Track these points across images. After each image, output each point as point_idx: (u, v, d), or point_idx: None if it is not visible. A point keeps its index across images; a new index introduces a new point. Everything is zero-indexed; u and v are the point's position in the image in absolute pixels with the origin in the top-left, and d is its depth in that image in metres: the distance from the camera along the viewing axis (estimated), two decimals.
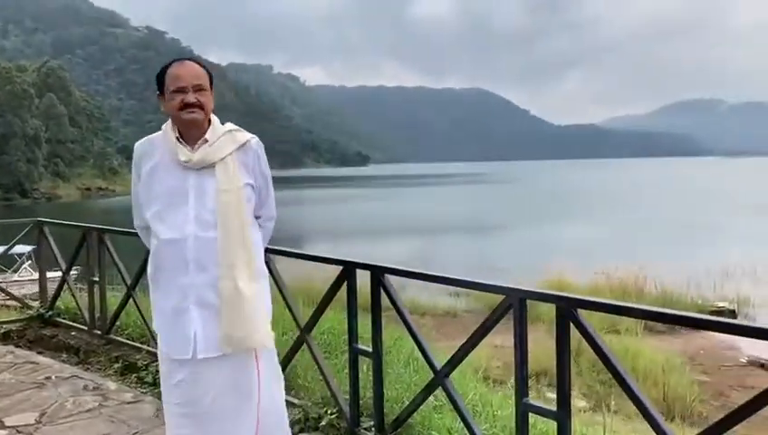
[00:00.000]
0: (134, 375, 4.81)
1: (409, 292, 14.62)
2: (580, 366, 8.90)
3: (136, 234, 2.81)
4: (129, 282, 5.15)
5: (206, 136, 2.49)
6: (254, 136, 2.57)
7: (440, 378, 2.97)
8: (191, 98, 2.43)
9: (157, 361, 2.88)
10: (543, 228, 38.72)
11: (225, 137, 2.50)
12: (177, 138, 2.48)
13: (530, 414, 2.61)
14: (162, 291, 2.50)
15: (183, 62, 2.50)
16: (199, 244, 2.42)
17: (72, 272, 6.04)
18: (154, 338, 4.26)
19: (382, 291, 3.22)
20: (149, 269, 2.56)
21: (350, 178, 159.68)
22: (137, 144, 2.60)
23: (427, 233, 38.99)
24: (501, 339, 5.74)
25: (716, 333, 15.58)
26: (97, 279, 5.51)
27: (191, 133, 2.49)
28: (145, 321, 4.98)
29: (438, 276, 3.14)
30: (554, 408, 2.48)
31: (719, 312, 16.76)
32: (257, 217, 2.65)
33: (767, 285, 20.73)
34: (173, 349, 2.48)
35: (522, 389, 2.60)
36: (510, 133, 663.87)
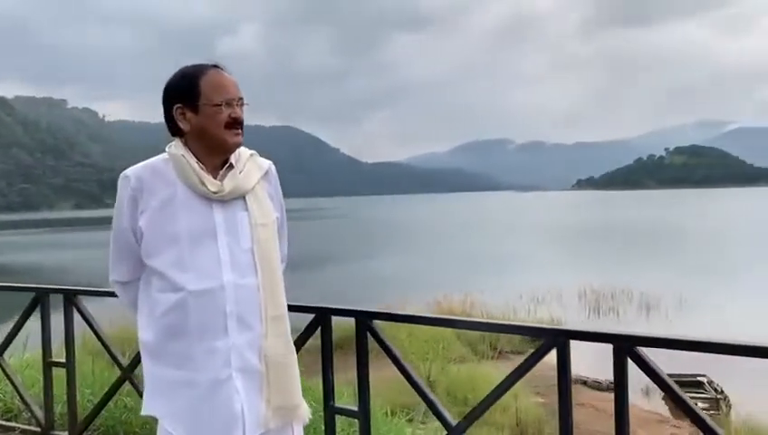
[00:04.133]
0: None
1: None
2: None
3: (112, 294, 2.22)
4: (120, 360, 3.69)
5: (232, 161, 2.00)
6: (269, 161, 2.15)
7: (457, 434, 2.60)
8: (240, 113, 1.98)
9: None
10: (375, 262, 39.10)
11: (249, 162, 2.05)
12: (198, 163, 1.97)
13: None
14: (186, 360, 1.91)
15: (218, 69, 1.99)
16: (240, 294, 1.92)
17: None
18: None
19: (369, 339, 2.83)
20: (147, 336, 1.98)
21: None
22: (129, 172, 2.00)
23: None
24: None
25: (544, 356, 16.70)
26: (62, 361, 3.90)
27: (211, 159, 1.99)
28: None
29: (426, 317, 3.08)
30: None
31: None
32: None
33: (572, 307, 22.55)
34: (206, 432, 1.91)
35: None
36: (324, 170, 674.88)
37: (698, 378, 13.44)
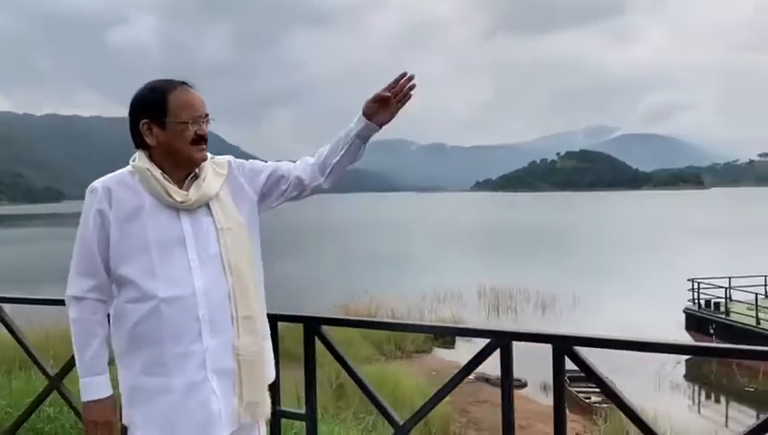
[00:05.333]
0: None
1: None
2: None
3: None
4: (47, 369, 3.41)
5: (195, 170, 2.07)
6: (227, 158, 2.20)
7: (403, 433, 2.61)
8: (206, 130, 2.04)
9: None
10: (277, 265, 38.39)
11: (209, 168, 2.09)
12: (163, 174, 2.02)
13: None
14: (160, 367, 1.96)
15: (186, 86, 2.04)
16: (211, 299, 1.98)
17: None
18: None
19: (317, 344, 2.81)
20: (120, 347, 2.02)
21: (39, 216, 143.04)
22: (97, 184, 2.04)
23: None
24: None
25: (445, 354, 17.00)
26: None
27: (176, 171, 2.04)
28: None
29: (375, 322, 3.10)
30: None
31: (442, 335, 18.05)
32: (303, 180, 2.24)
33: (472, 306, 23.14)
34: None
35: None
36: None
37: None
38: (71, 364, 3.23)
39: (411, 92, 2.17)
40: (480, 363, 2.49)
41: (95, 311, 2.02)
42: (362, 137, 2.20)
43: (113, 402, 2.03)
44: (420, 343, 16.92)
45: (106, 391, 2.02)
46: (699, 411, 14.63)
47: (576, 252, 41.63)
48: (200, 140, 2.02)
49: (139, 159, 2.04)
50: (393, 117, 2.19)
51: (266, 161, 2.29)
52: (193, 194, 2.01)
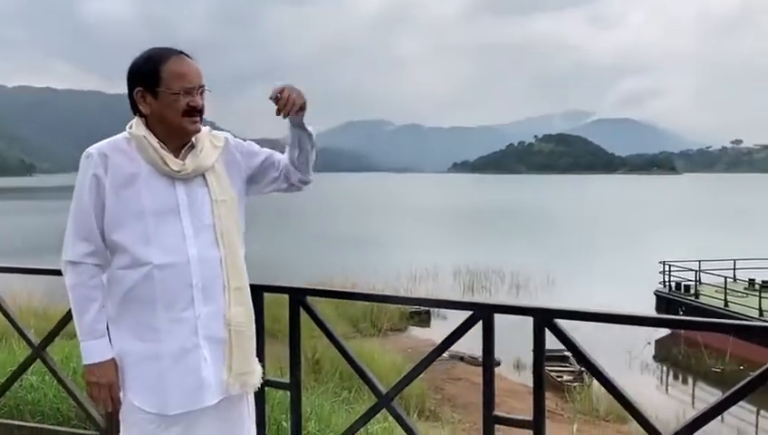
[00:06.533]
0: None
1: None
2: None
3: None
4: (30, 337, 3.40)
5: (193, 141, 2.09)
6: (226, 133, 2.22)
7: (386, 402, 2.63)
8: (200, 101, 2.04)
9: None
10: (255, 243, 38.13)
11: (207, 140, 2.12)
12: (160, 143, 2.03)
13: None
14: (151, 331, 1.99)
15: (182, 56, 2.04)
16: (204, 267, 2.02)
17: None
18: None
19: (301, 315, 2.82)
20: (111, 313, 2.05)
21: (10, 189, 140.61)
22: (92, 150, 2.03)
23: None
24: None
25: (419, 333, 17.13)
26: None
27: (172, 140, 2.05)
28: (66, 388, 3.38)
29: (360, 294, 3.17)
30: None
31: (417, 313, 18.19)
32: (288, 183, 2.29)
33: (448, 285, 23.30)
34: (174, 401, 1.99)
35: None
36: None
37: (564, 353, 14.30)
38: (54, 333, 3.26)
39: (295, 107, 2.08)
40: (461, 336, 2.50)
41: (93, 275, 2.03)
42: (295, 124, 2.19)
43: (115, 364, 2.04)
44: (396, 322, 17.02)
45: (107, 354, 2.03)
46: (667, 391, 14.95)
47: (551, 234, 42.06)
48: (193, 111, 2.02)
49: (136, 126, 2.05)
50: (298, 109, 2.11)
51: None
52: (189, 164, 2.04)
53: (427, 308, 18.56)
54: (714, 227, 42.00)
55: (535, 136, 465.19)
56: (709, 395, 13.98)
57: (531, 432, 2.32)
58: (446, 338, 2.54)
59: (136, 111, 2.06)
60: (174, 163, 2.02)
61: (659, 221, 50.37)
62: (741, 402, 2.12)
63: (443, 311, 19.14)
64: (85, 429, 3.47)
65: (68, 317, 3.15)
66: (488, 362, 2.42)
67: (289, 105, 2.07)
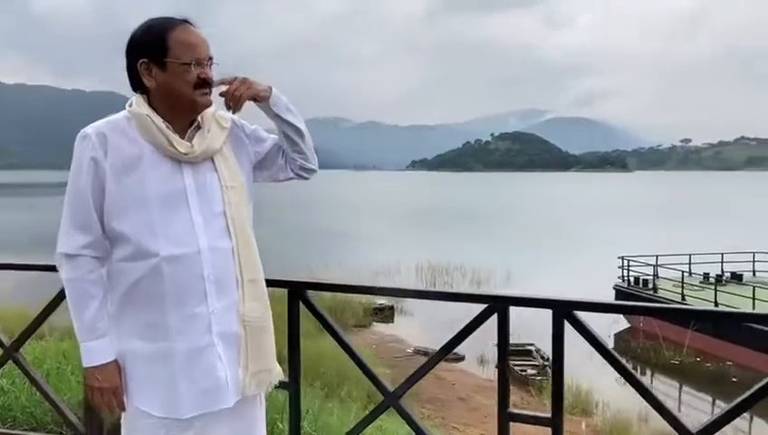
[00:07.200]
0: None
1: None
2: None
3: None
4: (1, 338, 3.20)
5: (198, 120, 1.91)
6: (231, 115, 1.97)
7: (393, 400, 2.54)
8: (210, 73, 1.86)
9: None
10: None
11: (214, 122, 1.93)
12: (164, 122, 1.84)
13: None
14: (160, 330, 1.81)
15: (188, 25, 1.85)
16: (216, 258, 1.84)
17: None
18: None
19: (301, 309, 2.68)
20: (112, 310, 1.86)
21: None
22: (89, 130, 1.82)
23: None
24: None
25: (384, 329, 17.12)
26: None
27: (178, 118, 1.87)
28: (42, 391, 3.17)
29: (362, 287, 3.08)
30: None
31: (381, 309, 18.21)
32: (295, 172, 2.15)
33: (411, 282, 23.33)
34: (188, 403, 1.82)
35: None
36: None
37: (527, 347, 14.47)
38: (27, 333, 3.08)
39: (243, 100, 1.93)
40: (475, 329, 2.45)
41: (92, 269, 1.84)
42: (269, 115, 2.02)
43: (118, 367, 1.85)
44: (360, 318, 17.03)
45: (110, 355, 1.84)
46: (626, 383, 15.21)
47: (509, 231, 42.49)
48: (204, 83, 1.84)
49: (137, 103, 1.86)
50: (252, 99, 1.96)
51: None
52: (198, 145, 1.86)
53: (390, 304, 18.59)
54: (666, 221, 43.05)
55: (492, 134, 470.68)
56: (667, 387, 14.31)
57: (532, 431, 2.32)
58: (459, 332, 2.46)
59: (136, 87, 1.88)
60: (181, 145, 1.83)
61: (613, 217, 51.38)
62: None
63: (407, 307, 19.24)
64: (62, 433, 3.32)
65: (42, 316, 3.01)
66: (503, 356, 2.39)
67: (235, 99, 1.89)
